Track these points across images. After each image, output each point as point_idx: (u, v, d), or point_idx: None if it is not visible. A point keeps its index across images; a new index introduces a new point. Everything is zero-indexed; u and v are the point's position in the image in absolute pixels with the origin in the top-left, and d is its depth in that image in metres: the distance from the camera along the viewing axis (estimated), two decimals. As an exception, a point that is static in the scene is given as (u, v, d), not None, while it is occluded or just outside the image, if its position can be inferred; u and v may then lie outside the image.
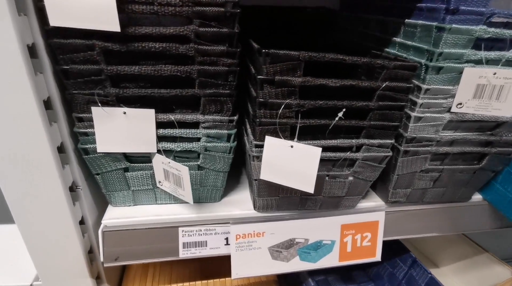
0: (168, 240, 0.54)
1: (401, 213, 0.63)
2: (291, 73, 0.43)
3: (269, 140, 0.47)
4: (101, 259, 0.53)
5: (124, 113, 0.46)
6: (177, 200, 0.58)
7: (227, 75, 0.46)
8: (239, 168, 0.71)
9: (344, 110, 0.46)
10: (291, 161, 0.47)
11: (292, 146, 0.46)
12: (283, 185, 0.50)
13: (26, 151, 0.43)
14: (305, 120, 0.47)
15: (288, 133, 0.47)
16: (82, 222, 0.55)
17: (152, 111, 0.46)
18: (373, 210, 0.60)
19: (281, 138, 0.47)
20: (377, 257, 0.63)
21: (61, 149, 0.48)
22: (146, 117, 0.46)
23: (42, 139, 0.43)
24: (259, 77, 0.43)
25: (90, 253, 0.58)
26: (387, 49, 0.58)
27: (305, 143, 0.47)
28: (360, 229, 0.60)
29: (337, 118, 0.47)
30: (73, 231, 0.51)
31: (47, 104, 0.44)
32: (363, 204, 0.62)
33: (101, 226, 0.53)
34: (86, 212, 0.54)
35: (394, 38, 0.56)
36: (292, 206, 0.58)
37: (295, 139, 0.47)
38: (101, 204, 0.60)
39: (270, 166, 0.49)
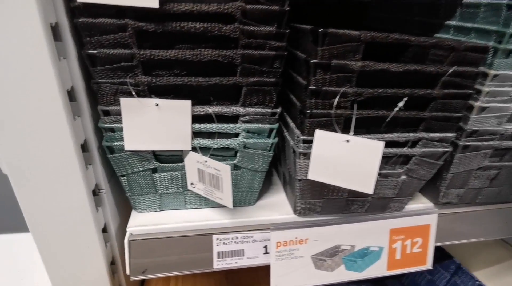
0: (201, 249, 0.48)
1: (453, 215, 0.57)
2: (350, 57, 0.38)
3: (320, 134, 0.41)
4: (127, 271, 0.47)
5: (157, 105, 0.40)
6: (208, 204, 0.52)
7: (274, 60, 0.40)
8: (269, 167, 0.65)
9: (405, 99, 0.41)
10: (346, 157, 0.41)
11: (348, 141, 0.41)
12: (335, 185, 0.45)
13: (46, 149, 0.38)
14: (362, 111, 0.41)
15: (341, 126, 0.42)
16: (104, 230, 0.49)
17: (189, 102, 0.41)
18: (424, 212, 0.54)
19: (334, 131, 0.41)
20: (428, 265, 0.57)
21: (84, 147, 0.42)
22: (182, 109, 0.41)
23: (65, 135, 0.37)
24: (313, 61, 0.38)
25: (112, 265, 0.52)
26: (437, 35, 0.53)
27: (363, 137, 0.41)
28: (410, 233, 0.54)
29: (397, 108, 0.42)
30: (96, 240, 0.46)
31: (70, 95, 0.38)
32: (410, 206, 0.56)
33: (127, 234, 0.47)
34: (109, 218, 0.48)
35: (448, 22, 0.51)
36: (337, 209, 0.52)
37: (351, 133, 0.41)
38: (124, 209, 0.55)
39: (320, 164, 0.43)
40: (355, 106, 0.41)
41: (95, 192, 0.46)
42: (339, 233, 0.51)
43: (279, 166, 0.61)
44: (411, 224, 0.54)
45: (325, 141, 0.42)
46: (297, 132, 0.44)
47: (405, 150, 0.45)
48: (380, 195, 0.50)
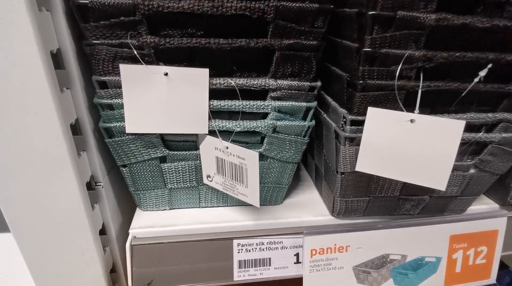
0: (218, 257, 0.40)
1: (525, 219, 0.47)
2: (421, 7, 0.29)
3: (374, 113, 0.32)
4: (129, 283, 0.39)
5: (166, 74, 0.31)
6: (227, 202, 0.44)
7: (316, 16, 0.31)
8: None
9: (489, 66, 0.31)
10: (409, 143, 0.32)
11: (412, 121, 0.31)
12: (388, 179, 0.35)
13: (26, 131, 0.29)
14: (430, 83, 0.32)
15: (401, 103, 0.32)
16: (102, 231, 0.41)
17: (206, 71, 0.32)
18: (492, 215, 0.44)
19: (394, 109, 0.32)
20: (492, 278, 0.47)
21: (75, 129, 0.34)
22: (197, 80, 0.32)
23: (50, 113, 0.29)
24: (371, 13, 0.28)
25: (113, 273, 0.44)
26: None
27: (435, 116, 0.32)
28: (474, 241, 0.44)
29: (477, 79, 0.32)
30: (91, 244, 0.37)
31: (57, 60, 0.30)
32: (472, 207, 0.46)
33: (129, 237, 0.39)
34: (109, 218, 0.40)
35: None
36: (385, 210, 0.42)
37: (416, 110, 0.32)
38: (126, 207, 0.46)
39: (372, 152, 0.34)
40: (421, 75, 0.31)
41: (91, 186, 0.37)
42: (388, 239, 0.42)
43: (309, 158, 0.51)
44: (476, 230, 0.44)
45: (380, 122, 0.32)
46: (343, 111, 0.35)
47: (481, 135, 0.36)
48: (440, 193, 0.40)
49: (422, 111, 0.33)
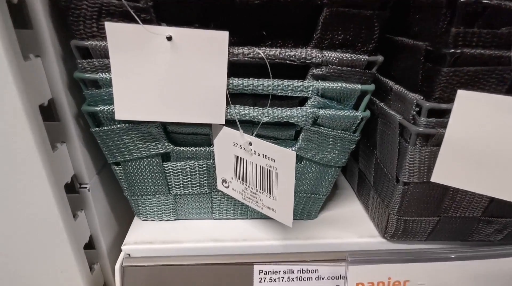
0: (234, 286, 0.30)
1: None
2: None
3: (468, 99, 0.22)
4: (119, 315, 0.30)
5: (169, 38, 0.23)
6: (246, 214, 0.34)
7: (387, -47, 0.21)
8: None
9: None
10: (524, 143, 0.21)
11: (532, 110, 0.21)
12: (475, 194, 0.25)
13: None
14: (560, 53, 0.21)
15: (506, 85, 0.22)
16: (90, 245, 0.32)
17: (225, 35, 0.23)
18: None
19: (500, 93, 0.22)
20: None
21: (50, 114, 0.26)
22: (213, 48, 0.23)
23: (8, 89, 0.21)
24: None
25: (104, 294, 0.36)
26: None
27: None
28: None
29: None
30: (72, 261, 0.29)
31: (20, 16, 0.22)
32: None
33: (121, 256, 0.30)
34: (98, 228, 0.32)
35: None
36: (457, 234, 0.32)
37: (536, 95, 0.21)
38: (123, 215, 0.38)
39: (460, 156, 0.23)
40: (547, 42, 0.21)
41: (74, 188, 0.29)
42: (462, 274, 0.31)
43: (351, 161, 0.41)
44: None
45: (476, 112, 0.22)
46: (415, 96, 0.24)
47: None
48: (540, 216, 0.29)
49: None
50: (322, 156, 0.29)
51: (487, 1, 0.20)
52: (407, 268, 0.31)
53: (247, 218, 0.35)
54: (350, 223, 0.35)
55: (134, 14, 0.22)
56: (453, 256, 0.30)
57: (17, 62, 0.21)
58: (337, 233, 0.33)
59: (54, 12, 0.23)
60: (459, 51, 0.21)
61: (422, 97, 0.24)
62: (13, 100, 0.21)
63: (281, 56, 0.24)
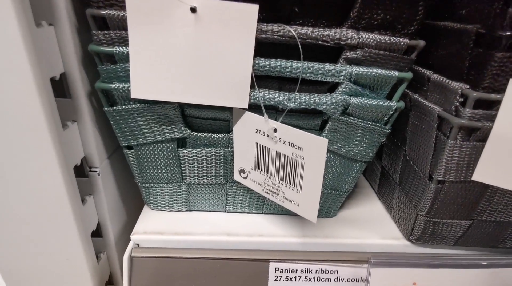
0: (248, 284, 0.28)
1: None
2: None
3: (523, 89, 0.20)
4: (125, 307, 0.29)
5: (193, 10, 0.21)
6: (262, 209, 0.32)
7: None
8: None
9: None
10: None
11: None
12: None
13: (-14, 80, 0.20)
14: None
15: None
16: (97, 232, 0.31)
17: (255, 8, 0.21)
18: None
19: (562, 82, 0.19)
20: None
21: (62, 89, 0.24)
22: (240, 22, 0.21)
23: (19, 59, 0.19)
24: None
25: (110, 285, 0.34)
26: None
27: None
28: None
29: None
30: (79, 249, 0.27)
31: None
32: None
33: (130, 245, 0.28)
34: (106, 215, 0.30)
35: None
36: (488, 239, 0.29)
37: None
38: (133, 203, 0.36)
39: (509, 152, 0.21)
40: None
41: (83, 171, 0.28)
42: (491, 282, 0.29)
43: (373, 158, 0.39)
44: None
45: (532, 104, 0.20)
46: (460, 85, 0.22)
47: None
48: None
49: None
50: (349, 149, 0.27)
51: (554, -22, 0.18)
52: (433, 273, 0.29)
53: (262, 213, 0.33)
54: (371, 223, 0.33)
55: (157, -19, 0.20)
56: (485, 263, 0.28)
57: (29, 28, 0.19)
58: (358, 233, 0.31)
59: (70, -23, 0.22)
60: (517, 34, 0.19)
61: (468, 86, 0.22)
62: (24, 70, 0.20)
63: (313, 35, 0.22)
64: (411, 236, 0.30)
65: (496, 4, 0.20)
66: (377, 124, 0.26)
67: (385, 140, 0.32)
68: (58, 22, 0.21)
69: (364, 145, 0.27)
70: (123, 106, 0.25)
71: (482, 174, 0.22)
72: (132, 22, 0.21)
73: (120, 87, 0.24)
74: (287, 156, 0.24)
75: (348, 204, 0.36)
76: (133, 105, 0.25)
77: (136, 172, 0.30)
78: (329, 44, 0.22)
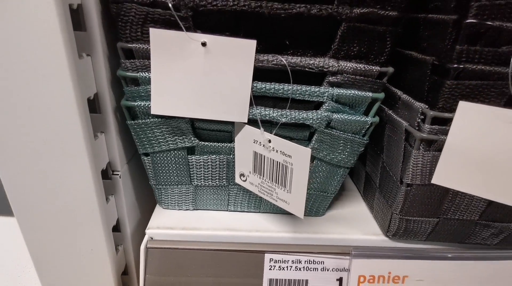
0: (246, 272, 0.33)
1: None
2: (559, -37, 0.21)
3: (468, 109, 0.24)
4: (141, 291, 0.33)
5: (204, 44, 0.26)
6: (259, 208, 0.37)
7: (401, -22, 0.24)
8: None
9: None
10: (517, 151, 0.24)
11: (525, 122, 0.23)
12: (473, 197, 0.27)
13: (35, 102, 0.25)
14: (553, 73, 0.24)
15: (504, 98, 0.24)
16: (116, 228, 0.36)
17: (253, 43, 0.26)
18: None
19: (498, 105, 0.24)
20: None
21: (93, 106, 0.29)
22: (241, 54, 0.26)
23: (64, 81, 0.24)
24: (485, -30, 0.21)
25: (124, 275, 0.39)
26: None
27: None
28: None
29: None
30: (102, 241, 0.32)
31: (77, 20, 0.25)
32: None
33: (145, 238, 0.33)
34: (125, 213, 0.35)
35: None
36: (455, 236, 0.34)
37: (531, 109, 0.24)
38: (146, 203, 0.41)
39: (459, 160, 0.26)
40: (541, 62, 0.23)
41: (107, 174, 0.32)
42: (458, 274, 0.33)
43: (357, 164, 0.44)
44: None
45: (475, 122, 0.24)
46: (420, 105, 0.27)
47: None
48: (535, 222, 0.32)
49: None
50: (333, 156, 0.32)
51: (489, 23, 0.23)
52: (406, 264, 0.33)
53: (259, 212, 0.37)
54: (355, 222, 0.37)
55: (179, 21, 0.25)
56: (450, 255, 0.33)
57: (74, 59, 0.24)
58: (342, 230, 0.36)
59: (105, 17, 0.27)
60: (462, 66, 0.24)
61: (427, 106, 0.27)
62: (68, 92, 0.24)
63: (301, 64, 0.27)
64: (388, 232, 0.35)
65: (447, 41, 0.24)
66: (356, 136, 0.31)
67: (366, 150, 0.36)
68: (95, 53, 0.26)
69: (346, 153, 0.32)
70: (143, 120, 0.30)
71: (440, 178, 0.27)
72: (154, 53, 0.26)
73: (142, 105, 0.28)
74: (279, 163, 0.28)
75: (336, 204, 0.40)
76: (151, 119, 0.29)
77: (151, 175, 0.34)
78: (314, 71, 0.27)
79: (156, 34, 0.25)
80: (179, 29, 0.25)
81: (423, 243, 0.35)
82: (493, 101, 0.25)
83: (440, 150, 0.26)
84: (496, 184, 0.25)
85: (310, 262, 0.34)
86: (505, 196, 0.25)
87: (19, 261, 0.49)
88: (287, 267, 0.33)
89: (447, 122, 0.26)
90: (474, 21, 0.22)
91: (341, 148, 0.31)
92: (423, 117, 0.27)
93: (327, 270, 0.34)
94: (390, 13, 0.25)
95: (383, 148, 0.35)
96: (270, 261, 0.33)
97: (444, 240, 0.35)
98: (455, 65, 0.24)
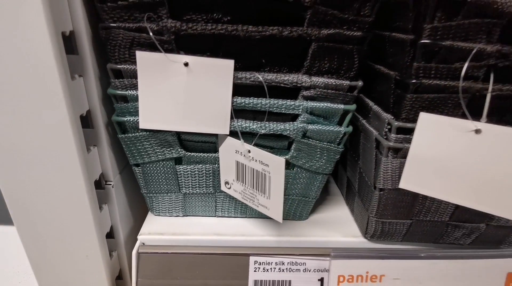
0: (232, 274, 0.35)
1: None
2: (499, -11, 0.23)
3: (427, 119, 0.27)
4: (133, 294, 0.35)
5: (186, 64, 0.28)
6: (245, 213, 0.39)
7: (363, 2, 0.27)
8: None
9: None
10: (472, 158, 0.26)
11: (478, 131, 0.25)
12: (438, 200, 0.29)
13: (32, 119, 0.27)
14: (502, 86, 0.26)
15: (465, 108, 0.27)
16: (110, 234, 0.38)
17: (231, 63, 0.28)
18: None
19: (452, 116, 0.26)
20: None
21: (86, 122, 0.31)
22: (221, 73, 0.28)
23: (58, 101, 0.26)
24: (434, -4, 0.23)
25: (119, 279, 0.41)
26: None
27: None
28: (540, 283, 0.37)
29: None
30: (96, 248, 0.34)
31: (69, 43, 0.28)
32: (536, 241, 0.38)
33: (137, 244, 0.35)
34: (118, 220, 0.37)
35: None
36: (429, 236, 0.36)
37: (483, 119, 0.26)
38: (138, 210, 0.43)
39: (422, 167, 0.28)
40: (491, 76, 0.26)
41: (100, 184, 0.35)
42: (431, 272, 0.35)
43: (341, 170, 0.46)
44: (542, 269, 0.36)
45: (434, 131, 0.27)
46: (387, 116, 0.29)
47: (561, 155, 0.29)
48: (501, 222, 0.34)
49: (489, 121, 0.28)
50: (311, 164, 0.34)
51: (442, 43, 0.25)
52: (383, 264, 0.35)
53: (246, 217, 0.40)
54: (337, 224, 0.39)
55: (158, 46, 0.27)
56: (423, 255, 0.35)
57: (67, 81, 0.26)
58: (324, 233, 0.38)
59: (95, 41, 0.29)
60: (419, 81, 0.26)
61: (392, 117, 0.29)
62: (62, 111, 0.27)
63: (276, 80, 0.29)
64: (366, 234, 0.37)
65: (406, 58, 0.27)
66: (332, 144, 0.33)
67: (345, 156, 0.38)
68: (87, 74, 0.29)
69: (323, 160, 0.34)
70: (133, 134, 0.32)
71: (406, 183, 0.29)
72: (141, 73, 0.28)
73: (131, 120, 0.31)
74: (259, 171, 0.31)
75: (320, 208, 0.43)
76: (140, 133, 0.32)
77: (142, 184, 0.36)
78: (289, 86, 0.30)
79: (142, 57, 0.28)
80: (164, 51, 0.28)
81: (400, 244, 0.37)
82: (450, 112, 0.27)
83: (405, 157, 0.29)
84: (455, 188, 0.27)
85: (293, 264, 0.36)
86: (463, 199, 0.27)
87: (19, 268, 0.51)
88: (271, 268, 0.35)
89: (411, 131, 0.28)
90: (428, 41, 0.25)
91: (318, 156, 0.33)
92: (389, 127, 0.29)
93: (309, 271, 0.36)
94: (355, 33, 0.27)
95: (359, 155, 0.37)
96: (255, 263, 0.35)
97: (419, 240, 0.37)
98: (414, 81, 0.26)
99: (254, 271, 0.35)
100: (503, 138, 0.25)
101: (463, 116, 0.27)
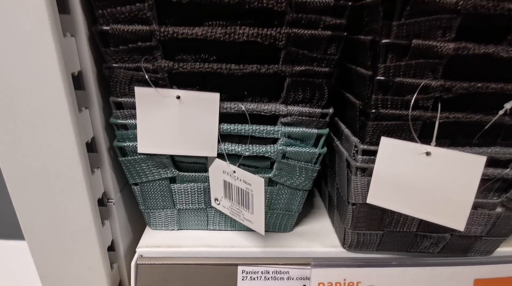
0: (222, 283, 0.38)
1: None
2: (438, 35, 0.28)
3: (387, 143, 0.31)
4: (132, 303, 0.39)
5: (178, 97, 0.32)
6: (234, 227, 0.43)
7: (329, 43, 0.31)
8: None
9: (515, 98, 0.29)
10: (424, 177, 0.30)
11: (428, 153, 0.29)
12: (402, 214, 0.33)
13: (44, 146, 0.31)
14: (449, 114, 0.30)
15: (415, 134, 0.31)
16: (111, 248, 0.41)
17: (217, 96, 0.32)
18: (524, 260, 0.40)
19: (408, 140, 0.30)
20: (526, 333, 0.42)
21: (91, 147, 0.35)
22: (208, 104, 0.33)
23: (67, 131, 0.30)
24: (384, 41, 0.28)
25: (119, 290, 0.44)
26: None
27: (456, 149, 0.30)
28: (504, 288, 0.40)
29: (502, 111, 0.30)
30: (99, 260, 0.38)
31: (77, 81, 0.32)
32: (502, 249, 0.42)
33: (135, 256, 0.39)
34: (118, 234, 0.41)
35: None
36: (400, 245, 0.40)
37: (433, 142, 0.30)
38: (137, 225, 0.47)
39: (385, 184, 0.32)
40: (439, 106, 0.30)
41: (103, 202, 0.38)
42: (403, 279, 0.39)
43: (324, 185, 0.50)
44: (505, 275, 0.40)
45: (393, 153, 0.31)
46: (355, 139, 0.33)
47: (508, 172, 0.33)
48: (464, 232, 0.37)
49: (441, 143, 0.32)
50: (292, 181, 0.38)
51: (394, 79, 0.29)
52: (359, 272, 0.39)
53: (235, 230, 0.43)
54: (318, 236, 0.43)
55: (152, 83, 0.32)
56: (394, 263, 0.38)
57: (75, 113, 0.31)
58: (306, 243, 0.41)
59: (100, 79, 0.33)
60: (378, 111, 0.30)
61: (359, 141, 0.33)
62: (70, 140, 0.31)
63: (257, 109, 0.34)
64: (344, 244, 0.40)
65: (367, 90, 0.31)
66: (309, 164, 0.37)
67: (325, 173, 0.42)
68: (92, 106, 0.33)
69: (303, 178, 0.38)
70: (132, 157, 0.36)
71: (372, 198, 0.33)
72: (139, 105, 0.32)
73: (131, 145, 0.35)
74: (243, 189, 0.35)
75: (304, 221, 0.46)
76: (139, 156, 0.36)
77: (140, 201, 0.40)
78: (268, 114, 0.34)
79: (140, 91, 0.32)
80: (159, 86, 0.32)
81: (375, 253, 0.41)
82: (407, 137, 0.31)
83: (371, 175, 0.33)
84: (411, 202, 0.31)
85: (277, 272, 0.39)
86: (418, 212, 0.31)
87: (27, 280, 0.54)
88: (257, 277, 0.39)
89: (374, 153, 0.32)
90: (383, 78, 0.29)
91: (297, 174, 0.37)
92: (356, 149, 0.33)
93: (292, 279, 0.39)
94: (323, 69, 0.32)
95: (336, 173, 0.41)
96: (242, 272, 0.39)
97: (392, 249, 0.40)
98: (373, 110, 0.30)
99: (242, 279, 0.39)
100: (449, 159, 0.29)
101: (420, 138, 0.31)
